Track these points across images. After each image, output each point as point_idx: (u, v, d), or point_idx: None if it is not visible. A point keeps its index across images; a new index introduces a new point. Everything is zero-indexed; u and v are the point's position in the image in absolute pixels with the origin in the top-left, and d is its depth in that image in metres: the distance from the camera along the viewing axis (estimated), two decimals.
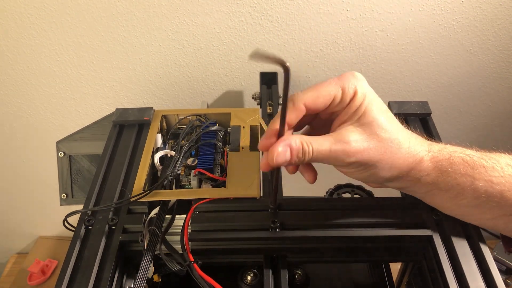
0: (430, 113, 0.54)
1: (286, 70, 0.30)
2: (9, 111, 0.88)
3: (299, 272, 0.49)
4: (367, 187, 0.50)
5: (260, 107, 0.64)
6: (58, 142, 0.55)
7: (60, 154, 0.56)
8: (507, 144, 1.00)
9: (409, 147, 0.38)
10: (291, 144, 0.35)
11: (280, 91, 0.77)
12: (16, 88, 0.84)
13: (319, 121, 0.41)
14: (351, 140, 0.36)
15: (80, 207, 0.45)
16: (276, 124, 0.36)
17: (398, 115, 0.53)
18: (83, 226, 0.42)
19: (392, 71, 0.81)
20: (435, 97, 0.86)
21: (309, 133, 0.43)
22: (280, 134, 0.35)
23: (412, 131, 0.40)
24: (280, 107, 0.51)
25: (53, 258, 1.19)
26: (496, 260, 0.87)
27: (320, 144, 0.36)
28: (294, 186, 1.05)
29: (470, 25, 0.74)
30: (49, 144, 0.96)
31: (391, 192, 0.46)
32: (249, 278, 0.47)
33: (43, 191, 1.09)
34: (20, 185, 1.07)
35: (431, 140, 0.41)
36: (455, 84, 0.84)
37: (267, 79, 0.74)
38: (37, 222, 1.21)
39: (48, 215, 1.17)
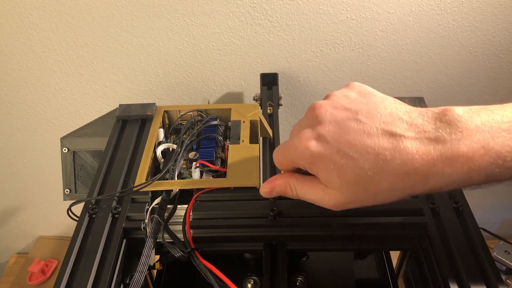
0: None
1: None
2: (9, 111, 0.88)
3: (300, 278, 0.49)
4: None
5: (261, 108, 0.64)
6: (62, 138, 0.57)
7: (64, 149, 0.56)
8: None
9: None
10: (275, 185, 0.37)
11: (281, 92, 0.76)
12: (16, 88, 0.84)
13: None
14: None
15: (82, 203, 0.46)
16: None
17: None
18: (87, 215, 0.43)
19: (392, 71, 0.81)
20: (435, 97, 0.86)
21: None
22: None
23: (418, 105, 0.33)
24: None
25: (53, 258, 1.19)
26: (496, 260, 0.87)
27: (305, 192, 0.35)
28: None
29: (470, 25, 0.74)
30: (49, 144, 0.96)
31: None
32: (249, 286, 0.48)
33: (43, 191, 1.09)
34: (20, 185, 1.07)
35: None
36: (455, 84, 0.84)
37: (268, 80, 0.74)
38: (37, 222, 1.21)
39: (48, 215, 1.17)
